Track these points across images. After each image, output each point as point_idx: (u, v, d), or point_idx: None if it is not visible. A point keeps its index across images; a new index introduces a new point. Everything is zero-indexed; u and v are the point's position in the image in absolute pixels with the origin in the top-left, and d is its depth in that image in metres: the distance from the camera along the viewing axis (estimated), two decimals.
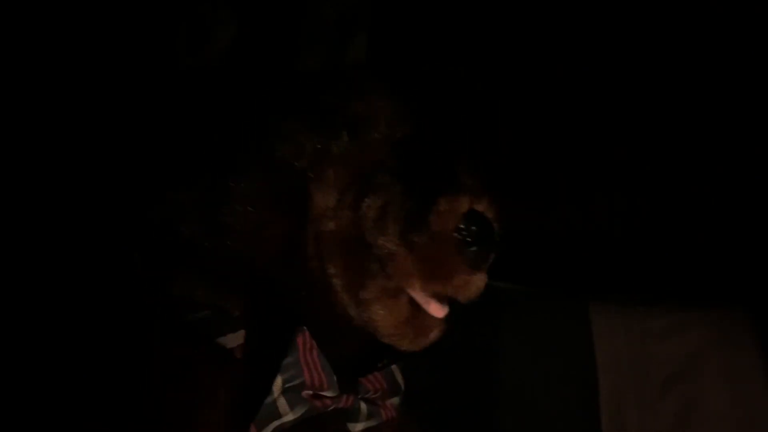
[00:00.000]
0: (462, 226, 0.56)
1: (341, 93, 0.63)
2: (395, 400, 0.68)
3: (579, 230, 0.97)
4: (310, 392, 0.61)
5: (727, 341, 0.88)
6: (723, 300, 0.91)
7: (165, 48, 0.80)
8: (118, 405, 0.58)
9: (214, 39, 0.76)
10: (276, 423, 0.59)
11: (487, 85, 0.78)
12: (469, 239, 0.56)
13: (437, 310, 0.59)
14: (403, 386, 0.69)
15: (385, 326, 0.58)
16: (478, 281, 0.59)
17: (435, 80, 0.77)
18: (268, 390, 0.59)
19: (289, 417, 0.60)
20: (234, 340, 0.61)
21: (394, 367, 0.68)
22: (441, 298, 0.59)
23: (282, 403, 0.59)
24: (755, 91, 0.89)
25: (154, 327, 0.61)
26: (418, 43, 0.82)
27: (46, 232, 0.75)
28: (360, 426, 0.65)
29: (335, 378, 0.62)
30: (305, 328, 0.61)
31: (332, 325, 0.62)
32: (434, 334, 0.61)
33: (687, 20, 0.88)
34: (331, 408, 0.62)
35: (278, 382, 0.59)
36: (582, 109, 0.93)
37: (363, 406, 0.64)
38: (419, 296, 0.58)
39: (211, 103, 0.69)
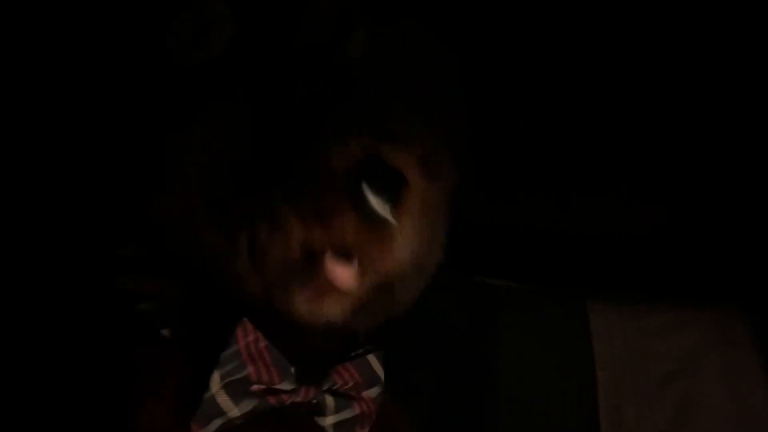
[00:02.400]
0: (354, 167, 0.52)
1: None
2: (373, 392, 0.64)
3: (577, 228, 0.97)
4: (261, 387, 0.58)
5: (725, 339, 0.88)
6: (721, 298, 0.91)
7: (160, 45, 0.79)
8: (63, 399, 0.57)
9: (211, 36, 0.75)
10: (219, 420, 0.56)
11: (487, 83, 0.78)
12: (358, 180, 0.52)
13: (342, 272, 0.54)
14: (383, 377, 0.65)
15: (271, 263, 0.55)
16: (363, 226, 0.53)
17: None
18: (205, 384, 0.56)
19: (235, 413, 0.56)
20: (178, 330, 0.59)
21: (371, 357, 0.64)
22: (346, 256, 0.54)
23: (223, 399, 0.56)
24: (754, 90, 0.90)
25: (97, 320, 0.59)
26: (417, 41, 0.82)
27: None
28: (330, 420, 0.61)
29: (292, 370, 0.58)
30: (246, 319, 0.57)
31: (281, 323, 0.59)
32: (331, 302, 0.57)
33: (696, 17, 0.88)
34: (289, 402, 0.59)
35: (215, 377, 0.56)
36: (579, 107, 0.93)
37: (329, 399, 0.61)
38: (315, 243, 0.54)
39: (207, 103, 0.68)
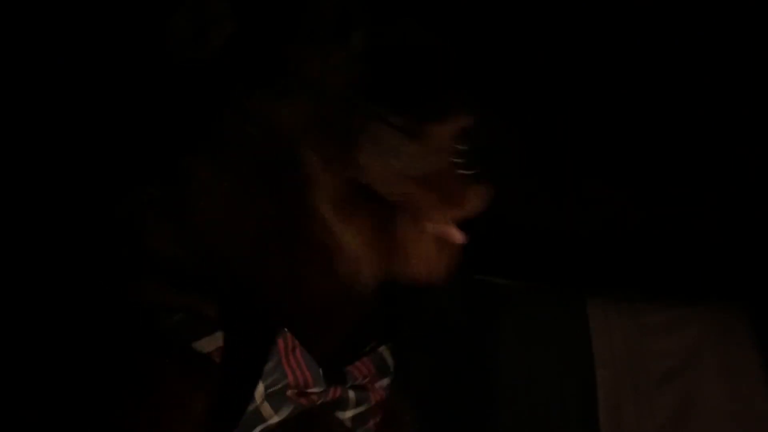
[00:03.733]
0: (456, 151, 0.58)
1: (299, 52, 0.62)
2: (384, 382, 0.67)
3: (576, 226, 0.97)
4: (296, 391, 0.60)
5: (724, 337, 0.88)
6: (721, 295, 0.91)
7: (158, 42, 0.78)
8: (84, 423, 0.56)
9: (209, 34, 0.75)
10: (260, 426, 0.58)
11: (487, 82, 0.77)
12: (464, 162, 0.59)
13: (459, 236, 0.61)
14: (392, 367, 0.68)
15: (424, 267, 0.60)
16: (483, 192, 0.61)
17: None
18: (250, 397, 0.57)
19: (275, 419, 0.59)
20: (211, 343, 0.59)
21: (382, 349, 0.67)
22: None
23: (266, 408, 0.58)
24: (754, 90, 0.89)
25: (120, 337, 0.58)
26: (416, 39, 0.81)
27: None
28: (349, 413, 0.64)
29: (321, 372, 0.61)
30: (286, 329, 0.59)
31: (315, 318, 0.61)
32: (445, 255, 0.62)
33: (696, 17, 0.88)
34: (318, 402, 0.61)
35: (260, 389, 0.58)
36: (579, 106, 0.93)
37: (351, 394, 0.64)
38: (439, 227, 0.61)
39: (206, 101, 0.67)
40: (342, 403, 0.63)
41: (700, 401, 0.85)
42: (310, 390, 0.60)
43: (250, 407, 0.58)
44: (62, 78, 0.79)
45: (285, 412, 0.59)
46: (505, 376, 0.88)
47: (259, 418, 0.58)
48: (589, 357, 0.88)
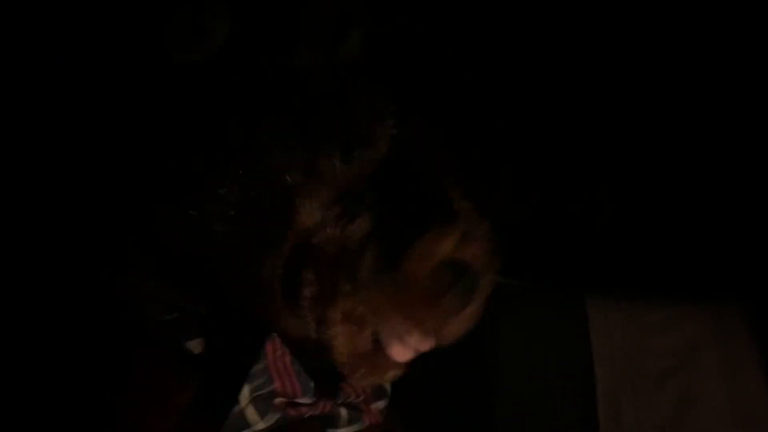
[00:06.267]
0: (440, 271, 0.56)
1: (343, 109, 0.62)
2: (381, 404, 0.66)
3: (576, 225, 0.97)
4: (284, 400, 0.59)
5: (723, 335, 0.88)
6: (720, 294, 0.92)
7: (157, 44, 0.78)
8: (65, 402, 0.57)
9: (208, 35, 0.75)
10: (246, 431, 0.58)
11: (487, 82, 0.78)
12: (445, 285, 0.56)
13: (398, 353, 0.58)
14: (389, 390, 0.68)
15: (341, 352, 0.57)
16: (455, 324, 0.58)
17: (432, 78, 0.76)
18: (234, 398, 0.57)
19: (260, 426, 0.58)
20: (201, 345, 0.60)
21: None
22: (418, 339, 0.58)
23: (251, 412, 0.58)
24: (754, 90, 0.89)
25: (112, 329, 0.59)
26: (414, 38, 0.81)
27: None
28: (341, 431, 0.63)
29: (312, 384, 0.60)
30: (275, 334, 0.59)
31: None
32: (390, 375, 0.61)
33: (696, 17, 0.87)
34: (308, 415, 0.61)
35: (245, 391, 0.58)
36: (579, 106, 0.93)
37: (343, 411, 0.63)
38: (386, 333, 0.57)
39: (205, 102, 0.67)
40: (333, 420, 0.63)
41: (699, 398, 0.85)
42: (298, 400, 0.60)
43: (235, 409, 0.57)
44: (62, 78, 0.79)
45: (271, 419, 0.59)
46: (505, 373, 0.88)
47: (244, 421, 0.58)
48: (589, 355, 0.88)
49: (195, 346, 0.60)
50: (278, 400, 0.59)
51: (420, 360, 0.86)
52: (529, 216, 0.97)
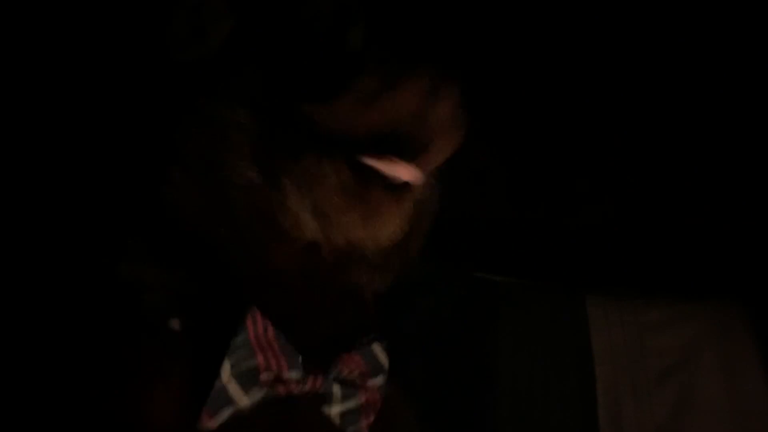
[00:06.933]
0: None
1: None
2: (378, 381, 0.63)
3: (576, 224, 0.97)
4: (270, 375, 0.57)
5: (723, 333, 0.89)
6: (719, 293, 0.92)
7: (157, 42, 0.78)
8: (64, 394, 0.56)
9: (208, 32, 0.74)
10: (229, 409, 0.56)
11: (486, 82, 0.77)
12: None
13: (404, 171, 0.56)
14: (387, 366, 0.64)
15: (326, 198, 0.56)
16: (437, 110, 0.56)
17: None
18: (215, 370, 0.55)
19: (245, 402, 0.56)
20: (180, 323, 0.58)
21: (375, 346, 0.64)
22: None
23: (234, 388, 0.56)
24: (754, 90, 0.89)
25: (97, 315, 0.59)
26: (415, 35, 0.81)
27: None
28: (336, 409, 0.61)
29: (300, 359, 0.58)
30: (256, 308, 0.57)
31: (302, 303, 0.60)
32: (387, 231, 0.59)
33: (696, 17, 0.87)
34: (297, 391, 0.59)
35: (226, 365, 0.56)
36: (579, 106, 0.93)
37: (336, 387, 0.61)
38: (372, 160, 0.55)
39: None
40: (326, 397, 0.61)
41: (699, 397, 0.85)
42: (285, 376, 0.58)
43: (217, 384, 0.55)
44: (61, 78, 0.79)
45: (256, 396, 0.56)
46: (505, 372, 0.88)
47: (227, 397, 0.56)
48: (589, 354, 0.89)
49: (174, 323, 0.58)
50: (264, 376, 0.57)
51: (420, 359, 0.86)
52: (529, 215, 0.98)
